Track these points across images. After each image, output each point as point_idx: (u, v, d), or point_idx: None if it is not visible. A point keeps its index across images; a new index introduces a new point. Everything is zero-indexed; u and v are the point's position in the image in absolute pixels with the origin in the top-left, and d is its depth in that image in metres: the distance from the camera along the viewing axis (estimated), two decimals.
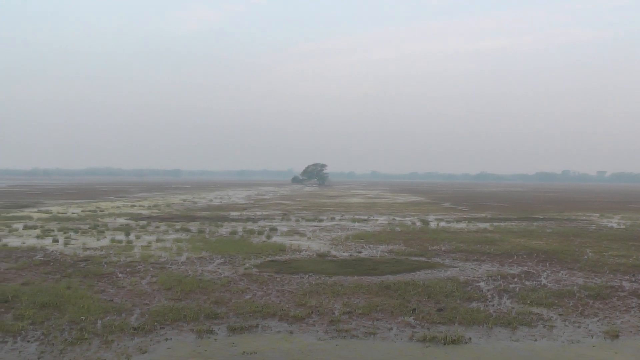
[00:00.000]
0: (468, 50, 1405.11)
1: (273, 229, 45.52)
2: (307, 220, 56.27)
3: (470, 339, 15.58)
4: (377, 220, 57.51)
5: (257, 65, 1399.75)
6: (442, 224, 53.16)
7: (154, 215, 63.52)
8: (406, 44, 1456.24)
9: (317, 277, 24.40)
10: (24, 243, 36.06)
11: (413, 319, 17.50)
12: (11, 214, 62.37)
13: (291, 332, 16.10)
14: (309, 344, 15.11)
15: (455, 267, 27.37)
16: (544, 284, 23.43)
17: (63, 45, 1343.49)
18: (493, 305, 19.44)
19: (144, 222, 52.29)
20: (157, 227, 47.98)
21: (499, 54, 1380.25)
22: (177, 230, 44.61)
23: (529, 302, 19.97)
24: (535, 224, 53.85)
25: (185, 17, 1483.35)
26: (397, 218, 60.37)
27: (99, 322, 17.02)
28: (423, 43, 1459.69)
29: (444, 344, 15.10)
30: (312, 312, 18.17)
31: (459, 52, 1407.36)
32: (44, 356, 14.17)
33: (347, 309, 18.47)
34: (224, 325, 16.70)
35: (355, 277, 24.42)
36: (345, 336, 15.74)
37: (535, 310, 18.86)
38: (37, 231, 43.59)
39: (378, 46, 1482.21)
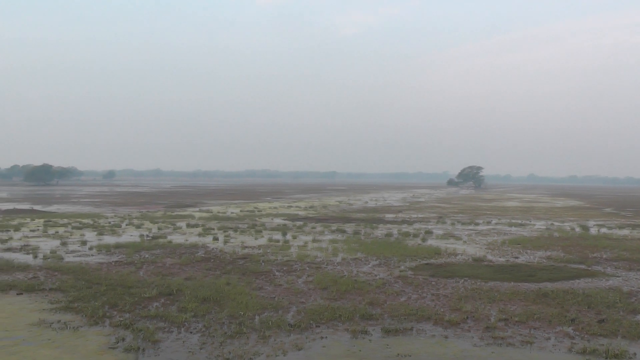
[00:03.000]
0: (630, 43, 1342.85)
1: (428, 232, 45.35)
2: (463, 223, 55.65)
3: (634, 354, 14.74)
4: (534, 225, 56.07)
5: (414, 66, 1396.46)
6: (603, 230, 51.09)
7: (310, 216, 64.69)
8: (571, 39, 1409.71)
9: (473, 281, 24.10)
10: (187, 240, 37.75)
11: (572, 329, 16.93)
12: (175, 213, 65.45)
13: (446, 337, 15.99)
14: (463, 349, 14.95)
15: (618, 276, 26.21)
16: None
17: (229, 48, 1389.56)
18: None
19: (300, 223, 53.39)
20: (313, 227, 48.84)
21: None
22: (332, 231, 45.25)
23: None
24: None
25: (344, 22, 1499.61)
26: (555, 223, 58.63)
27: (257, 317, 17.60)
28: (587, 38, 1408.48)
29: (605, 358, 14.42)
30: (467, 318, 17.97)
31: (622, 46, 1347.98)
32: (205, 347, 14.83)
33: (504, 316, 18.12)
34: (379, 326, 16.81)
35: (512, 283, 23.92)
36: (501, 344, 15.44)
37: None
38: (199, 229, 45.47)
39: (539, 44, 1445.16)
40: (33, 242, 36.65)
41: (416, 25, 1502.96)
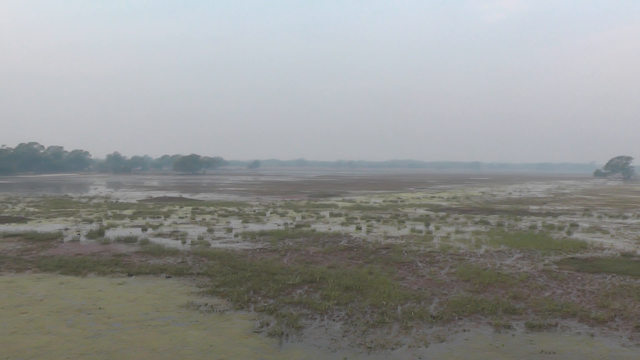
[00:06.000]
0: None
1: (573, 225, 44.04)
2: (610, 216, 53.69)
3: None
4: None
5: (559, 52, 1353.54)
6: None
7: (453, 207, 64.16)
8: None
9: (621, 278, 23.29)
10: (330, 229, 38.33)
11: None
12: (319, 202, 66.49)
13: (592, 335, 15.55)
14: (611, 349, 14.49)
15: None
16: None
17: (372, 39, 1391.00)
18: None
19: (443, 214, 53.06)
20: (456, 218, 48.46)
21: None
22: (475, 223, 44.76)
23: None
24: None
25: (488, 9, 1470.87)
26: None
27: (399, 307, 17.75)
28: None
29: None
30: (615, 316, 17.41)
31: None
32: (347, 335, 15.13)
33: None
34: (522, 321, 16.56)
35: None
36: None
37: None
38: (342, 219, 46.04)
39: None
40: (182, 228, 38.34)
41: (563, 9, 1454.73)
